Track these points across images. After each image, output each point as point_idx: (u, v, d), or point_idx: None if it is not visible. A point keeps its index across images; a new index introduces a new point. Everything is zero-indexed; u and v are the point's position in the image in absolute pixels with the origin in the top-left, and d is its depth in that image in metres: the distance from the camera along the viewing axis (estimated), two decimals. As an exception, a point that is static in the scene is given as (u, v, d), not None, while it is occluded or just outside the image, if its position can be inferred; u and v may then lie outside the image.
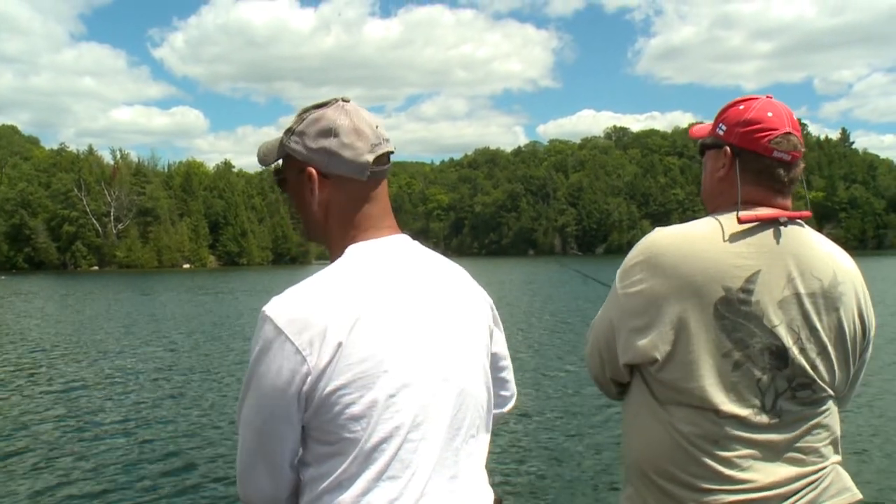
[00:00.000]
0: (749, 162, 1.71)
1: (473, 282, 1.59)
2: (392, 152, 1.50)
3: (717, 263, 1.63)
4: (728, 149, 1.74)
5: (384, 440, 1.32)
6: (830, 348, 1.67)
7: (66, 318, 23.77)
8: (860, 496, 1.71)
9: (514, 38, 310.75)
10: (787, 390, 1.63)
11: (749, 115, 1.72)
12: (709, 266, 1.63)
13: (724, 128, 1.77)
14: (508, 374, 1.73)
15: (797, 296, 1.64)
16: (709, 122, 1.88)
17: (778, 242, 1.67)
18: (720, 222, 1.69)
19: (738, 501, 1.60)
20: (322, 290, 1.36)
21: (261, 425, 1.36)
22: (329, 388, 1.29)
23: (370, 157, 1.43)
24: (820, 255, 1.70)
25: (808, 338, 1.65)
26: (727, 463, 1.61)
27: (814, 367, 1.65)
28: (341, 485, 1.32)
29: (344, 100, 1.48)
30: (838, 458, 1.72)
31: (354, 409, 1.30)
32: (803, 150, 1.74)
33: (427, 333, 1.40)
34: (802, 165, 1.76)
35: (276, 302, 1.34)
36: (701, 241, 1.67)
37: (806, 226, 1.74)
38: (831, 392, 1.69)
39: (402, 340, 1.35)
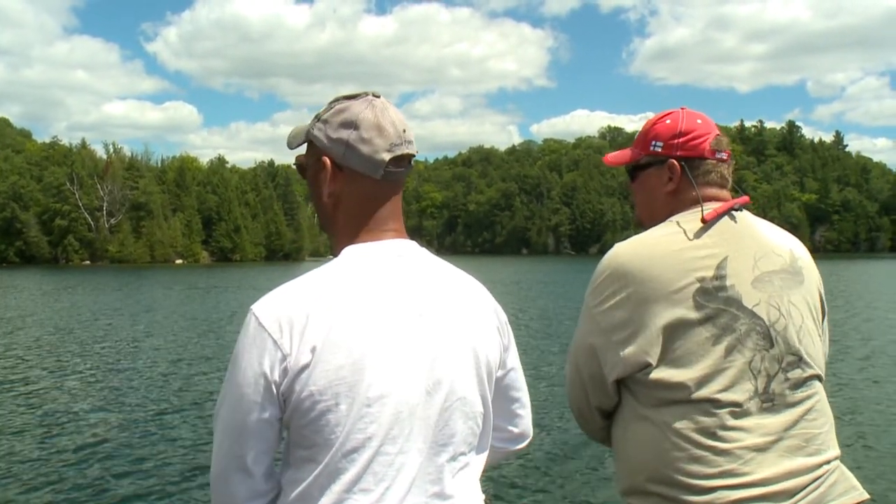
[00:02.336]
0: (696, 168, 1.80)
1: (486, 295, 1.52)
2: (413, 155, 1.47)
3: (685, 258, 1.66)
4: (674, 162, 1.81)
5: (355, 450, 1.29)
6: (808, 321, 1.71)
7: (48, 313, 23.56)
8: (867, 496, 1.69)
9: (509, 36, 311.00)
10: (778, 372, 1.64)
11: (682, 127, 1.81)
12: (677, 262, 1.66)
13: (660, 144, 1.84)
14: (521, 409, 1.63)
15: (767, 274, 1.69)
16: (621, 150, 1.95)
17: (736, 229, 1.74)
18: (678, 223, 1.74)
19: (743, 499, 1.56)
20: (308, 290, 1.34)
21: (239, 422, 1.33)
22: (305, 392, 1.28)
23: (386, 157, 1.40)
24: (774, 234, 1.79)
25: (787, 313, 1.68)
26: (726, 454, 1.58)
27: (800, 342, 1.67)
28: (313, 494, 1.30)
29: (374, 94, 1.45)
30: (838, 452, 1.70)
31: (329, 416, 1.28)
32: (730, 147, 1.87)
33: (413, 343, 1.34)
34: (734, 162, 1.87)
35: (263, 300, 1.34)
36: (663, 242, 1.71)
37: (741, 209, 1.81)
38: (817, 370, 1.70)
39: (383, 349, 1.31)
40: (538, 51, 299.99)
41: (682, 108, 1.88)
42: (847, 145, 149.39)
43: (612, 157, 1.98)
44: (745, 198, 1.82)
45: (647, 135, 1.88)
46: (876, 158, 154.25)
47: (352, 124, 1.40)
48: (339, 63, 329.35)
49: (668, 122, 1.85)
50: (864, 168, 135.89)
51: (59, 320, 20.85)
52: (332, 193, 1.45)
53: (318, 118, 1.46)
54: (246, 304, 1.33)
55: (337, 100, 1.47)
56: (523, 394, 1.62)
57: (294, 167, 1.58)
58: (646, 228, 1.82)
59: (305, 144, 1.51)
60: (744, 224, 1.76)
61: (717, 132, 1.83)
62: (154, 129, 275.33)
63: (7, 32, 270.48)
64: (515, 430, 1.63)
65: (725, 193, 1.81)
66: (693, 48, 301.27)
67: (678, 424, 1.61)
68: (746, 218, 1.79)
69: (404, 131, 1.43)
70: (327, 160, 1.43)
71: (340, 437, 1.28)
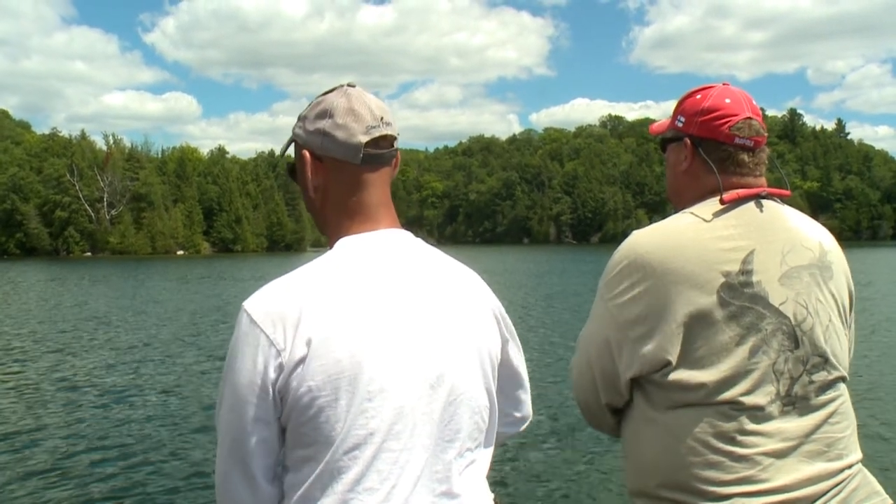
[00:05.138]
0: (711, 151, 1.67)
1: (482, 285, 1.49)
2: (395, 137, 1.44)
3: (709, 250, 1.56)
4: (688, 140, 1.70)
5: (357, 447, 1.25)
6: (835, 320, 1.62)
7: (44, 305, 23.36)
8: (891, 502, 1.62)
9: (509, 25, 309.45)
10: (802, 374, 1.55)
11: (707, 104, 1.68)
12: (701, 254, 1.55)
13: (682, 120, 1.73)
14: (523, 394, 1.62)
15: (796, 269, 1.59)
16: (667, 119, 1.84)
17: (763, 219, 1.62)
18: (695, 213, 1.63)
19: None
20: (301, 284, 1.30)
21: (238, 424, 1.29)
22: (302, 388, 1.24)
23: (363, 139, 1.37)
24: (804, 226, 1.67)
25: (815, 311, 1.58)
26: (745, 460, 1.50)
27: (826, 342, 1.58)
28: (315, 495, 1.26)
29: (350, 85, 1.44)
30: (860, 455, 1.62)
31: (328, 412, 1.24)
32: (766, 134, 1.70)
33: (413, 336, 1.31)
34: (768, 151, 1.72)
35: (254, 296, 1.31)
36: (685, 232, 1.60)
37: (780, 201, 1.69)
38: (842, 371, 1.62)
39: (382, 342, 1.28)
40: (538, 39, 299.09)
41: (725, 84, 1.73)
42: (849, 133, 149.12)
43: (657, 125, 1.86)
44: (786, 192, 1.69)
45: (678, 107, 1.76)
46: (878, 146, 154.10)
47: (326, 113, 1.39)
48: (337, 53, 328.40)
49: (698, 96, 1.72)
50: (866, 156, 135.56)
51: (57, 311, 20.65)
52: (318, 187, 1.43)
53: (299, 118, 1.47)
54: (247, 295, 1.32)
55: (317, 97, 1.47)
56: (524, 379, 1.60)
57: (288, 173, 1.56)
58: (676, 209, 1.72)
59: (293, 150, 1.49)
60: (771, 214, 1.64)
61: (748, 115, 1.66)
62: (153, 119, 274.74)
63: (5, 23, 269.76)
64: (518, 414, 1.62)
65: (751, 182, 1.66)
66: (692, 36, 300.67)
67: (695, 428, 1.53)
68: (774, 207, 1.66)
69: (381, 115, 1.40)
70: (306, 153, 1.42)
71: (341, 433, 1.24)
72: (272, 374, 1.25)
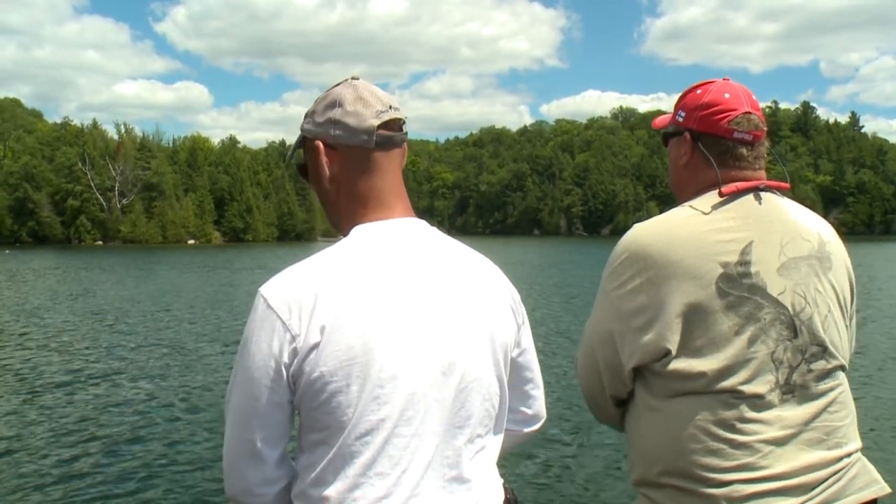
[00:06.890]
0: (711, 145, 1.70)
1: (498, 274, 1.49)
2: (403, 121, 1.46)
3: (708, 241, 1.59)
4: (688, 135, 1.73)
5: (369, 432, 1.26)
6: (834, 310, 1.64)
7: (55, 292, 23.43)
8: (888, 490, 1.63)
9: (521, 16, 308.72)
10: (801, 363, 1.57)
11: (706, 99, 1.71)
12: (700, 246, 1.58)
13: (683, 114, 1.76)
14: (534, 390, 1.59)
15: (794, 260, 1.62)
16: (671, 113, 1.86)
17: (761, 211, 1.65)
18: (694, 206, 1.66)
19: (760, 492, 1.51)
20: (317, 270, 1.32)
21: (250, 406, 1.31)
22: (315, 373, 1.26)
23: (375, 122, 1.40)
24: (803, 218, 1.70)
25: (813, 301, 1.61)
26: (745, 448, 1.53)
27: (824, 332, 1.61)
28: (327, 478, 1.28)
29: (354, 77, 1.48)
30: (860, 444, 1.65)
31: (340, 398, 1.26)
32: (765, 129, 1.73)
33: (426, 324, 1.32)
34: (767, 144, 1.74)
35: (271, 282, 1.33)
36: (684, 224, 1.63)
37: (780, 194, 1.72)
38: (842, 360, 1.64)
39: (395, 330, 1.29)
40: (550, 30, 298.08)
41: (725, 79, 1.76)
42: (863, 126, 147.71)
43: (660, 119, 1.89)
44: (785, 184, 1.72)
45: (679, 102, 1.80)
46: (892, 140, 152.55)
47: (335, 103, 1.42)
48: (349, 42, 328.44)
49: (698, 91, 1.75)
50: (880, 149, 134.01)
51: (68, 300, 20.71)
52: (333, 177, 1.44)
53: (306, 115, 1.49)
54: (259, 284, 1.34)
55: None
56: (536, 374, 1.59)
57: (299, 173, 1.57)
58: (679, 202, 1.73)
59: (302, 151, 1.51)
60: (770, 206, 1.66)
61: (747, 110, 1.69)
62: (165, 109, 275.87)
63: (18, 12, 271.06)
64: (529, 411, 1.60)
65: (750, 175, 1.69)
66: (704, 28, 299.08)
67: (695, 416, 1.55)
68: (773, 200, 1.68)
69: (389, 102, 1.44)
70: (319, 143, 1.43)
71: (353, 418, 1.26)
72: (286, 359, 1.27)
